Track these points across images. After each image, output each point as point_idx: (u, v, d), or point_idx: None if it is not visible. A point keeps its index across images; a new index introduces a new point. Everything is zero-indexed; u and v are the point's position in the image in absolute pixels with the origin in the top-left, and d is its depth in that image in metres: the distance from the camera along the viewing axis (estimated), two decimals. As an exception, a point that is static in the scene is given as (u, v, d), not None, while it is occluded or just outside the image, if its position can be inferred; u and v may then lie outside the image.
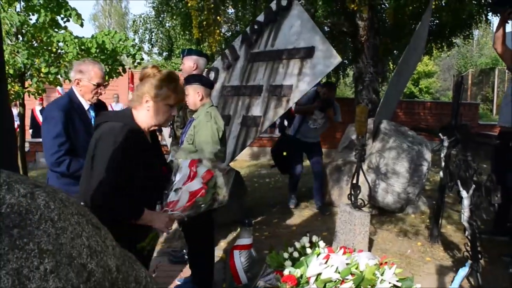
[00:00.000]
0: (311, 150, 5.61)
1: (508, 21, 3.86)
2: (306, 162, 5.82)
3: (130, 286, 1.43)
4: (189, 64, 3.85)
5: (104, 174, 1.97)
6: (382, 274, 2.91)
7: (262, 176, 8.40)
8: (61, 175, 2.84)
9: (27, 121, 11.14)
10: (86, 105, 2.98)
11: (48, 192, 1.17)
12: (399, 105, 11.64)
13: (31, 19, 7.42)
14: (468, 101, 16.02)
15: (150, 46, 15.95)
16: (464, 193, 3.06)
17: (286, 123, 13.42)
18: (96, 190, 1.97)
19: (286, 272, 2.98)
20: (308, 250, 3.28)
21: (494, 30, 4.11)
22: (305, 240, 3.42)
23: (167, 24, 13.85)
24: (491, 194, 2.73)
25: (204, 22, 9.82)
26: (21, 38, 7.48)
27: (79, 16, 7.37)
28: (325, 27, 11.30)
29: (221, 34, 10.70)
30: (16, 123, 10.82)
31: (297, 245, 3.40)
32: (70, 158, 2.80)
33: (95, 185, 1.97)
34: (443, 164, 3.69)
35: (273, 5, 4.65)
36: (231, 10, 12.05)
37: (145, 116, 2.13)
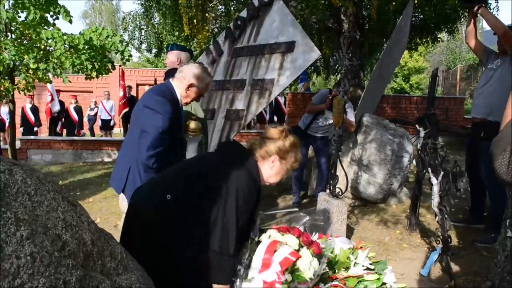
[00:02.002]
0: (318, 146, 5.61)
1: (477, 16, 4.01)
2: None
3: (105, 260, 1.54)
4: (172, 59, 3.95)
5: (234, 229, 2.01)
6: (356, 258, 3.05)
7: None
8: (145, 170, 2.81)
9: (17, 119, 11.21)
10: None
11: (25, 170, 1.28)
12: (386, 100, 11.79)
13: (19, 17, 7.50)
14: (457, 95, 16.22)
15: (139, 43, 16.00)
16: (434, 180, 3.21)
17: (276, 118, 13.58)
18: (225, 244, 1.99)
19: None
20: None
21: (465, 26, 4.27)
22: (284, 227, 3.55)
23: (155, 20, 13.91)
24: (457, 180, 2.87)
25: (195, 20, 9.92)
26: (10, 35, 7.56)
27: (67, 13, 7.46)
28: (314, 24, 11.44)
29: (209, 30, 10.79)
30: (7, 121, 10.92)
31: (277, 232, 3.52)
32: (162, 155, 2.77)
33: (226, 238, 1.99)
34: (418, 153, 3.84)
35: (255, 1, 4.76)
36: (220, 7, 12.15)
37: (266, 172, 2.23)
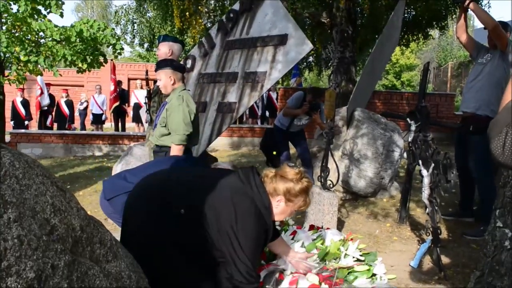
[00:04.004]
0: (297, 137, 5.89)
1: (468, 11, 4.03)
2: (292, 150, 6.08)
3: (95, 246, 1.53)
4: (164, 50, 3.94)
5: (251, 260, 2.06)
6: (346, 249, 3.06)
7: (242, 165, 8.51)
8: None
9: (8, 113, 11.11)
10: None
11: (13, 153, 1.27)
12: (378, 96, 11.84)
13: (12, 9, 7.42)
14: (447, 92, 16.32)
15: (132, 37, 15.91)
16: (424, 172, 3.22)
17: (268, 114, 13.58)
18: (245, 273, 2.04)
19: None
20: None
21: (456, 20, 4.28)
22: (275, 219, 3.55)
23: (148, 15, 13.85)
24: (447, 172, 2.89)
25: (187, 12, 9.88)
26: (1, 27, 7.49)
27: (58, 6, 7.40)
28: (307, 20, 11.44)
29: (202, 24, 10.74)
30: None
31: (268, 224, 3.53)
32: None
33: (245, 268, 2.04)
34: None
35: (248, -6, 4.75)
36: (212, 1, 12.11)
37: (274, 211, 2.23)
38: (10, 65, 7.60)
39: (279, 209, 2.22)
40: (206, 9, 11.56)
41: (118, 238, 2.16)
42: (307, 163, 5.68)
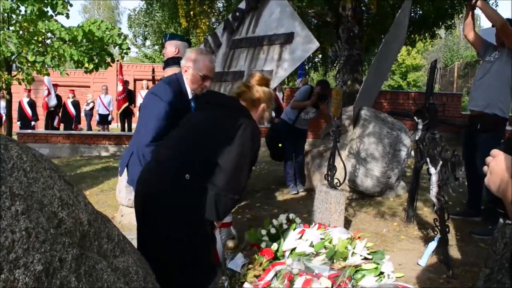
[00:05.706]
0: (298, 140, 5.99)
1: (475, 8, 3.99)
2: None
3: (102, 241, 1.53)
4: (171, 49, 3.92)
5: (245, 171, 2.22)
6: (354, 248, 3.05)
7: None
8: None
9: (15, 114, 11.17)
10: (190, 95, 2.86)
11: (21, 146, 1.27)
12: (384, 96, 11.79)
13: (21, 11, 7.48)
14: (453, 92, 16.23)
15: (143, 39, 16.05)
16: (432, 170, 3.20)
17: (273, 114, 13.55)
18: (237, 184, 2.18)
19: (263, 245, 3.10)
20: (285, 227, 3.40)
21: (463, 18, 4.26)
22: (282, 217, 3.54)
23: (158, 15, 13.90)
24: (456, 169, 2.86)
25: (192, 12, 9.90)
26: (9, 28, 7.54)
27: (64, 5, 7.43)
28: (313, 19, 11.42)
29: (208, 24, 10.75)
30: (4, 115, 10.88)
31: (275, 222, 3.51)
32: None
33: (237, 182, 2.18)
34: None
35: (254, -7, 4.75)
36: (219, 3, 12.12)
37: (256, 118, 2.38)
38: (17, 66, 7.64)
39: (262, 114, 2.40)
40: (212, 10, 11.56)
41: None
42: (300, 165, 5.86)
